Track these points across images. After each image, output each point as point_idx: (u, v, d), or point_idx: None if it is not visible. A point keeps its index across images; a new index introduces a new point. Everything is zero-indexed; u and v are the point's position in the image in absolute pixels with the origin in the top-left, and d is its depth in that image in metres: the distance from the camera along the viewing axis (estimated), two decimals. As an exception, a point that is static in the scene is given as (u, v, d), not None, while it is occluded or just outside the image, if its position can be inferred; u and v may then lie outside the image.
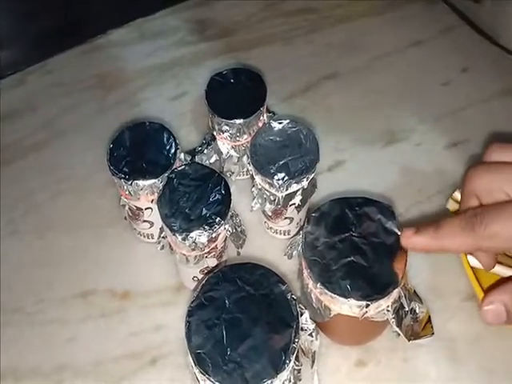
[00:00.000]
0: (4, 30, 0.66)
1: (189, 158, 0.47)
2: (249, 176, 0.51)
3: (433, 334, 0.39)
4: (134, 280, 0.46)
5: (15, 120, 0.58)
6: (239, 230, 0.44)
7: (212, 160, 0.50)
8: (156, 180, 0.43)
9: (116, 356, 0.43)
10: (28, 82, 0.61)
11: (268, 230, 0.49)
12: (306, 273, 0.38)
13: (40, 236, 0.50)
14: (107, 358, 0.43)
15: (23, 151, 0.55)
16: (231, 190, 0.42)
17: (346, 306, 0.36)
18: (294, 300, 0.35)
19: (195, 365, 0.33)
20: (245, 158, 0.49)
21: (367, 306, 0.36)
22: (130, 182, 0.43)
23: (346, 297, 0.35)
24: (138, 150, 0.45)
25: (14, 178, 0.53)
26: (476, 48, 0.61)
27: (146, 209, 0.45)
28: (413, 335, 0.39)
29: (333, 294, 0.36)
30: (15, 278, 0.47)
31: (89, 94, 0.59)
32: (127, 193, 0.44)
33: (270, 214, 0.46)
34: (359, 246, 0.37)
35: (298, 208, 0.46)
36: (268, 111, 0.50)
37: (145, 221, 0.46)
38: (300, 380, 0.36)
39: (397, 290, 0.36)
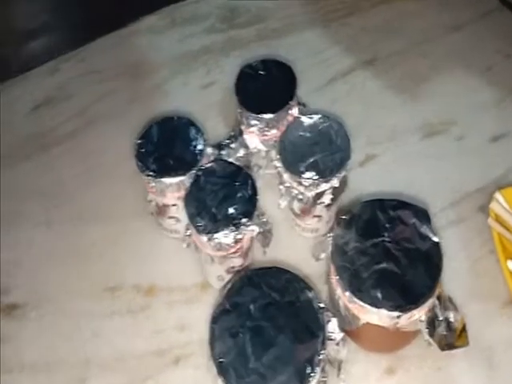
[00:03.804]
0: (38, 19, 0.66)
1: (216, 152, 0.46)
2: (277, 170, 0.49)
3: (468, 344, 0.37)
4: (159, 275, 0.46)
5: (50, 108, 0.57)
6: (266, 229, 0.43)
7: (239, 154, 0.48)
8: (183, 178, 0.42)
9: (140, 353, 0.43)
10: (62, 70, 0.60)
11: (296, 228, 0.47)
12: (334, 279, 0.36)
13: (71, 226, 0.50)
14: (131, 355, 0.43)
15: (58, 139, 0.55)
16: (258, 185, 0.41)
17: (376, 316, 0.35)
18: (321, 308, 0.34)
19: (218, 374, 0.32)
20: (273, 152, 0.48)
21: (398, 316, 0.34)
22: (157, 180, 0.42)
23: (376, 307, 0.34)
24: (166, 145, 0.44)
25: (49, 166, 0.53)
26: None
27: (172, 205, 0.44)
28: (447, 345, 0.37)
29: (362, 304, 0.34)
30: (48, 269, 0.48)
31: (121, 82, 0.58)
32: (154, 190, 0.44)
33: (299, 211, 0.45)
34: (392, 252, 0.36)
35: (328, 206, 0.44)
36: (299, 103, 0.48)
37: (171, 217, 0.46)
38: (326, 391, 0.35)
39: (431, 299, 0.35)
